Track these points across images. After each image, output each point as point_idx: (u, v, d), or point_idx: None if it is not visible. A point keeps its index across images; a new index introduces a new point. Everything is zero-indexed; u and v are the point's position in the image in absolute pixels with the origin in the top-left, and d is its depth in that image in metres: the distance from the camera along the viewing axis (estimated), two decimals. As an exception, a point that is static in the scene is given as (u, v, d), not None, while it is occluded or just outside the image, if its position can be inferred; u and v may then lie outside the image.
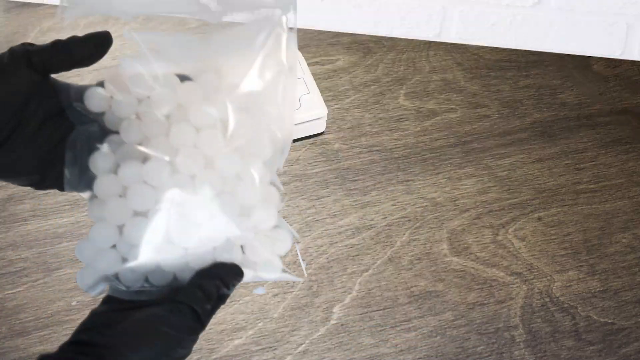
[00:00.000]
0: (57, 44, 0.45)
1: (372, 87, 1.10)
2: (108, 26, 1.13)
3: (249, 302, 0.91)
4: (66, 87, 0.46)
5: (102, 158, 0.45)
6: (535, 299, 0.92)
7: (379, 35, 1.16)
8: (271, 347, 0.88)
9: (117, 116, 0.46)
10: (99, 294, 0.45)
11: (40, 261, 0.92)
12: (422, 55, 1.14)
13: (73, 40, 0.45)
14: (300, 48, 1.11)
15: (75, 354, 0.43)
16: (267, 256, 0.47)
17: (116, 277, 0.45)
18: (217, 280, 0.46)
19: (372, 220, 0.97)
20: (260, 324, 0.89)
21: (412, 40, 1.16)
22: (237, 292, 0.91)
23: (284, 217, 0.96)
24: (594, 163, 1.04)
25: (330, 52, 1.13)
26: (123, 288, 0.45)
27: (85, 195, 0.48)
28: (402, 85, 1.11)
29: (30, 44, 0.45)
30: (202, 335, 0.88)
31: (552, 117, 1.09)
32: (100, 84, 0.47)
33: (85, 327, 0.45)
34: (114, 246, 0.45)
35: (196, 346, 0.87)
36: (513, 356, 0.88)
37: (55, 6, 1.15)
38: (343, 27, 1.16)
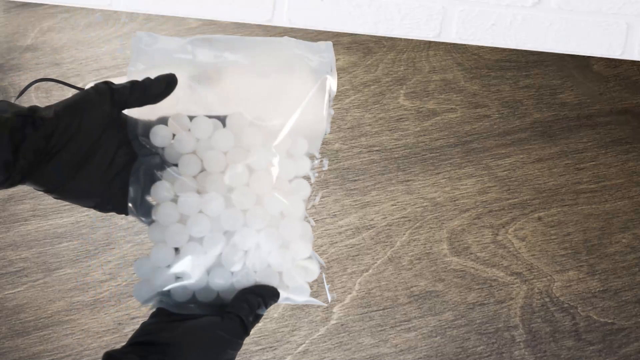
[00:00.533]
0: (135, 84, 0.51)
1: (372, 87, 1.10)
2: (108, 25, 1.14)
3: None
4: (134, 122, 0.53)
5: (163, 188, 0.52)
6: (535, 299, 0.92)
7: (379, 35, 1.16)
8: (271, 347, 0.88)
9: (177, 151, 0.53)
10: (152, 307, 0.52)
11: (40, 261, 0.92)
12: (422, 55, 1.14)
13: (147, 81, 0.52)
14: (300, 48, 1.11)
15: (140, 352, 0.48)
16: (300, 282, 0.54)
17: (168, 292, 0.52)
18: (259, 298, 0.52)
19: (372, 220, 0.97)
20: (260, 324, 0.89)
21: (412, 40, 1.16)
22: (237, 292, 0.91)
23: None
24: (594, 163, 1.04)
25: (330, 52, 1.13)
26: (172, 303, 0.52)
27: (144, 219, 0.54)
28: (402, 85, 1.11)
29: (112, 83, 0.52)
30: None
31: (552, 117, 1.09)
32: (164, 121, 0.53)
33: (143, 333, 0.50)
34: (169, 266, 0.52)
35: (196, 346, 0.87)
36: (513, 356, 0.88)
37: (56, 6, 1.16)
38: (343, 27, 1.16)
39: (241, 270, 0.53)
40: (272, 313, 0.90)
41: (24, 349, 0.85)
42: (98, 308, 0.89)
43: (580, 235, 0.98)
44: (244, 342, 0.89)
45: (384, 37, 1.16)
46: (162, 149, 0.53)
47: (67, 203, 0.95)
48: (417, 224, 0.97)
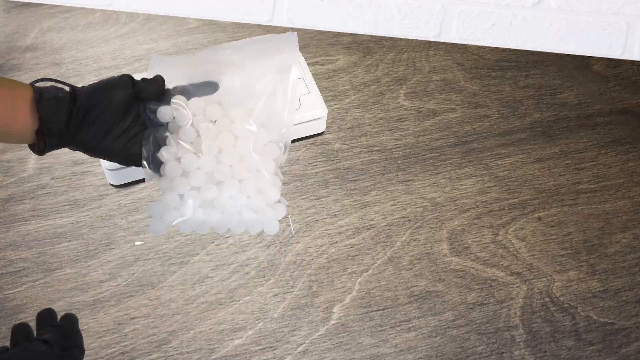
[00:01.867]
0: (146, 80, 0.68)
1: (372, 87, 1.10)
2: (108, 25, 1.13)
3: (249, 302, 0.91)
4: (145, 104, 0.69)
5: (168, 151, 0.69)
6: (535, 299, 0.92)
7: (379, 35, 1.16)
8: (271, 347, 0.88)
9: (177, 124, 0.69)
10: (161, 233, 0.70)
11: (40, 261, 0.92)
12: (422, 55, 1.14)
13: (151, 80, 0.69)
14: (301, 48, 1.11)
15: None
16: (271, 218, 0.71)
17: (177, 225, 0.70)
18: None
19: (372, 220, 0.97)
20: (260, 324, 0.89)
21: (412, 40, 1.16)
22: (237, 292, 0.91)
23: (284, 217, 0.96)
24: (594, 163, 1.04)
25: (330, 52, 1.13)
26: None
27: (153, 172, 0.70)
28: (402, 85, 1.11)
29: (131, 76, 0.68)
30: (202, 335, 0.88)
31: (552, 117, 1.09)
32: (168, 102, 0.70)
33: None
34: (175, 207, 0.69)
35: (196, 346, 0.87)
36: (513, 356, 0.88)
37: (55, 6, 1.16)
38: (343, 27, 1.16)
39: (228, 209, 0.69)
40: (272, 313, 0.90)
41: (24, 349, 0.85)
42: (98, 308, 0.89)
43: (580, 235, 0.98)
44: (244, 341, 0.89)
45: (384, 37, 1.16)
46: (167, 123, 0.69)
47: (67, 203, 0.96)
48: (417, 224, 0.97)
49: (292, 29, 1.15)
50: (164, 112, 0.69)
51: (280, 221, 0.72)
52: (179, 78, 0.71)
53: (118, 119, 0.67)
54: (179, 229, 0.70)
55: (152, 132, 0.69)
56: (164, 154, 0.69)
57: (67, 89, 0.66)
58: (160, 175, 0.70)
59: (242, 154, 0.70)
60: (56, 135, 0.64)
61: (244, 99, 0.72)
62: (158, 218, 0.70)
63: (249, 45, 0.73)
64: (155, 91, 0.68)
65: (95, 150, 0.67)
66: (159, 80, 0.69)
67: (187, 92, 0.71)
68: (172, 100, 0.70)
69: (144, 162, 0.69)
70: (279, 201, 0.72)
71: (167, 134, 0.69)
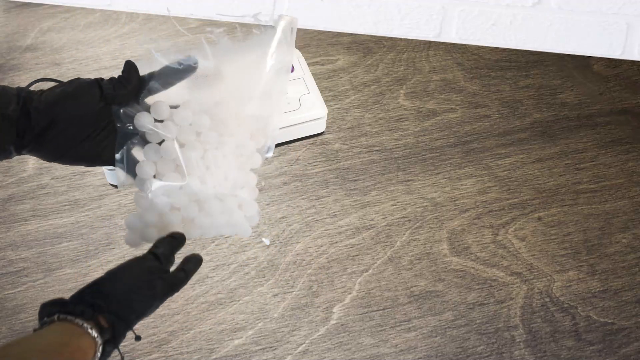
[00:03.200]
0: (117, 80, 0.61)
1: (372, 87, 1.10)
2: (108, 25, 1.13)
3: (249, 302, 0.91)
4: (119, 110, 0.62)
5: (143, 168, 0.63)
6: (535, 299, 0.92)
7: (379, 35, 1.16)
8: (271, 347, 0.88)
9: (159, 134, 0.64)
10: (137, 247, 0.66)
11: (40, 261, 0.92)
12: (422, 55, 1.14)
13: (123, 79, 0.62)
14: (300, 48, 1.11)
15: (88, 299, 0.60)
16: (240, 218, 0.68)
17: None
18: (174, 241, 0.65)
19: (372, 220, 0.97)
20: (260, 324, 0.89)
21: (412, 40, 1.16)
22: (237, 292, 0.91)
23: (283, 217, 0.97)
24: (594, 163, 1.04)
25: (330, 52, 1.13)
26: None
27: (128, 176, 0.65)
28: (402, 85, 1.11)
29: (101, 79, 0.62)
30: (202, 335, 0.88)
31: (552, 117, 1.09)
32: (147, 109, 0.63)
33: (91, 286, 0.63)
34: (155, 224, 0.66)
35: (196, 346, 0.87)
36: (513, 356, 0.88)
37: (56, 6, 1.16)
38: (343, 27, 1.16)
39: (207, 226, 0.67)
40: (272, 313, 0.90)
41: (24, 349, 0.85)
42: (98, 308, 0.89)
43: (580, 235, 0.98)
44: (244, 341, 0.89)
45: (384, 37, 1.16)
46: (140, 131, 0.63)
47: (67, 203, 0.96)
48: (417, 224, 0.97)
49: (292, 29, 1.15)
50: (142, 121, 0.62)
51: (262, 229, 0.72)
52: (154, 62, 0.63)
53: (85, 131, 0.60)
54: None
55: (126, 139, 0.62)
56: (143, 168, 0.63)
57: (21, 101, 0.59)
58: (134, 179, 0.64)
59: (227, 173, 0.66)
60: (2, 155, 0.58)
61: (236, 102, 0.66)
62: (135, 231, 0.65)
63: (242, 43, 0.67)
64: (126, 95, 0.61)
65: (59, 161, 0.61)
66: (130, 78, 0.61)
67: (163, 77, 0.62)
68: (153, 106, 0.62)
69: (119, 169, 0.63)
70: (254, 209, 0.69)
71: (143, 145, 0.63)
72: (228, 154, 0.66)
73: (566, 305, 0.92)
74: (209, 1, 1.14)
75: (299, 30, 1.16)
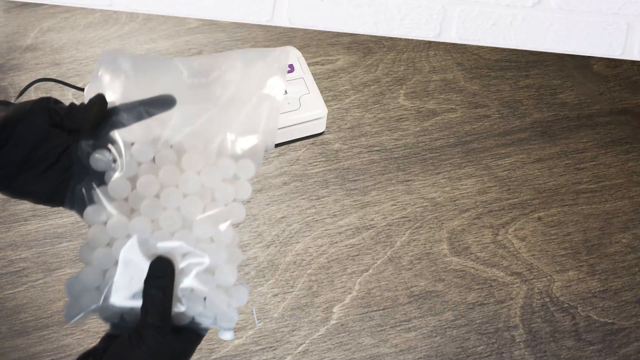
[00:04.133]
0: (71, 108, 0.53)
1: (372, 87, 1.10)
2: (108, 25, 1.14)
3: (249, 302, 0.91)
4: (76, 140, 0.53)
5: (95, 211, 0.52)
6: (535, 299, 0.92)
7: (379, 35, 1.16)
8: (271, 347, 0.88)
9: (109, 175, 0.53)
10: (75, 324, 0.53)
11: (40, 261, 0.92)
12: (422, 55, 1.14)
13: (82, 106, 0.53)
14: (300, 48, 1.11)
15: None
16: (224, 309, 0.53)
17: (97, 312, 0.52)
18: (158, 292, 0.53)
19: (372, 220, 0.97)
20: (260, 324, 0.89)
21: (412, 40, 1.16)
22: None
23: (283, 217, 0.97)
24: (594, 163, 1.04)
25: (330, 52, 1.13)
26: (102, 321, 0.53)
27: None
28: (402, 85, 1.11)
29: (56, 101, 0.53)
30: (202, 335, 0.88)
31: (552, 117, 1.09)
32: (105, 145, 0.54)
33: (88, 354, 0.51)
34: (98, 287, 0.52)
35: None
36: (513, 356, 0.88)
37: (56, 6, 1.16)
38: (343, 27, 1.16)
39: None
40: (272, 313, 0.90)
41: (24, 349, 0.85)
42: (98, 308, 0.89)
43: (580, 235, 0.98)
44: (244, 341, 0.89)
45: (384, 37, 1.16)
46: (102, 172, 0.54)
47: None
48: (417, 224, 0.97)
49: (292, 29, 1.15)
50: (98, 160, 0.53)
51: (245, 307, 0.56)
52: (130, 89, 0.53)
53: (34, 154, 0.51)
54: (101, 316, 0.52)
55: (81, 179, 0.53)
56: (87, 215, 0.53)
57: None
58: (84, 244, 0.54)
59: (187, 219, 0.52)
60: None
61: (214, 134, 0.54)
62: (74, 299, 0.52)
63: (230, 60, 0.56)
64: (84, 121, 0.52)
65: (5, 193, 0.52)
66: (93, 106, 0.52)
67: (136, 112, 0.53)
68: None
69: (71, 204, 0.54)
70: (235, 282, 0.54)
71: (97, 188, 0.53)
72: (191, 194, 0.53)
73: (566, 305, 0.92)
74: (209, 1, 1.14)
75: (299, 30, 1.16)
